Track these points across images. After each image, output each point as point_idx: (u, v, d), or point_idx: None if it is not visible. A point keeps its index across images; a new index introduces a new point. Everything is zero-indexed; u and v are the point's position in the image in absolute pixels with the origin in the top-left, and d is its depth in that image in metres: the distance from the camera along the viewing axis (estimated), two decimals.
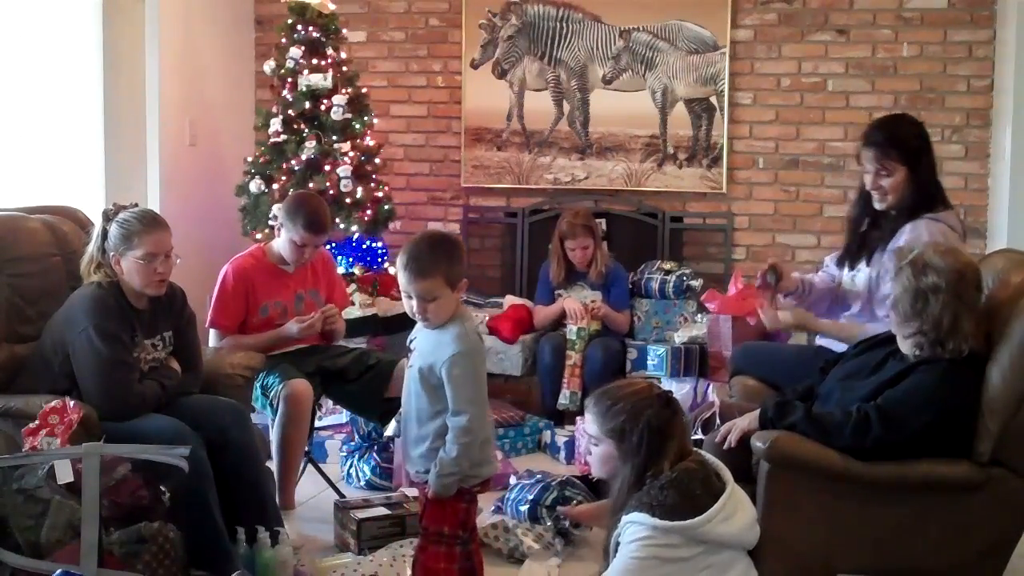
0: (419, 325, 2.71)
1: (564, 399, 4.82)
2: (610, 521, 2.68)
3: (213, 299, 3.87)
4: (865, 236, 3.44)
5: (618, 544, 2.59)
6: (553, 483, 3.69)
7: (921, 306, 2.70)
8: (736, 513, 2.59)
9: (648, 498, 2.54)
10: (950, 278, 2.69)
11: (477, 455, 2.64)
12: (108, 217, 3.18)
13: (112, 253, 3.15)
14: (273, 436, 3.69)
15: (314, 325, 3.86)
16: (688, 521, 2.51)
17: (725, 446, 2.89)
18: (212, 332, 3.87)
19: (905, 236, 3.23)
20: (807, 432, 2.75)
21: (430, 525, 2.69)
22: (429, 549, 2.70)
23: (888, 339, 2.92)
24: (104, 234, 3.17)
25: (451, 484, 2.62)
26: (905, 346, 2.80)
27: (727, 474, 2.66)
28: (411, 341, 2.75)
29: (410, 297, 2.63)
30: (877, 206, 3.37)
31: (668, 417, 2.61)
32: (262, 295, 3.87)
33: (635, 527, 2.53)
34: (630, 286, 5.17)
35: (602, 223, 5.51)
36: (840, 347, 3.31)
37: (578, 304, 4.94)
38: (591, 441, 2.72)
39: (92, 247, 3.20)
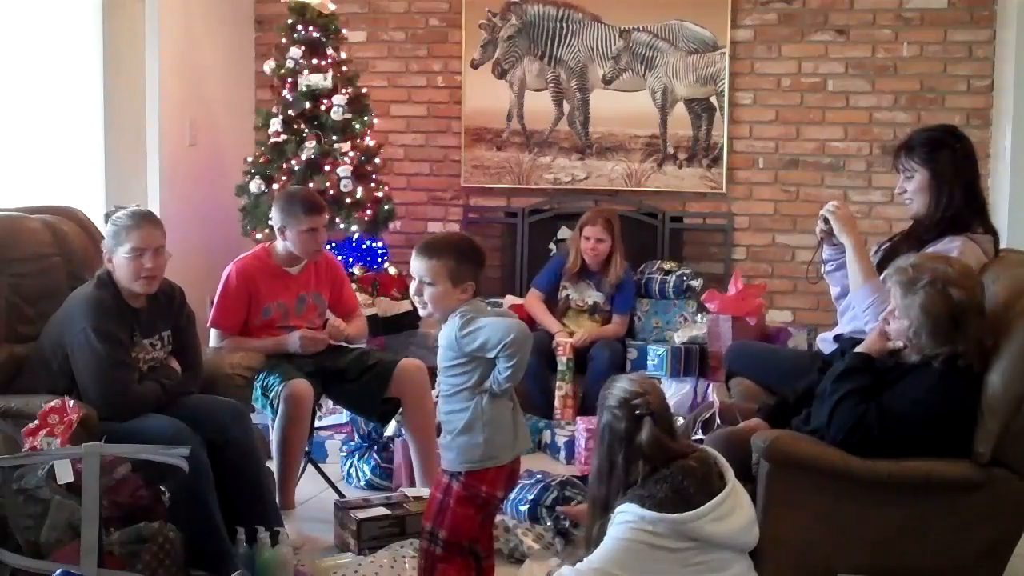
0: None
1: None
2: (591, 511, 2.71)
3: (215, 299, 3.86)
4: (898, 247, 3.28)
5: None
6: (553, 483, 3.69)
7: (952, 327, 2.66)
8: (732, 514, 2.59)
9: (641, 490, 2.58)
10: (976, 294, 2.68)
11: (506, 436, 2.61)
12: (108, 219, 3.19)
13: (106, 252, 3.15)
14: (273, 436, 3.68)
15: (316, 341, 3.87)
16: (675, 515, 2.52)
17: None
18: (213, 332, 3.86)
19: (933, 248, 3.07)
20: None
21: (450, 537, 2.63)
22: (450, 560, 2.63)
23: None
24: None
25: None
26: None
27: (730, 474, 2.65)
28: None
29: (414, 279, 2.65)
30: (910, 214, 3.27)
31: (630, 431, 2.62)
32: (265, 296, 3.86)
33: (624, 515, 2.57)
34: None
35: None
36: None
37: (566, 339, 4.86)
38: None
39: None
